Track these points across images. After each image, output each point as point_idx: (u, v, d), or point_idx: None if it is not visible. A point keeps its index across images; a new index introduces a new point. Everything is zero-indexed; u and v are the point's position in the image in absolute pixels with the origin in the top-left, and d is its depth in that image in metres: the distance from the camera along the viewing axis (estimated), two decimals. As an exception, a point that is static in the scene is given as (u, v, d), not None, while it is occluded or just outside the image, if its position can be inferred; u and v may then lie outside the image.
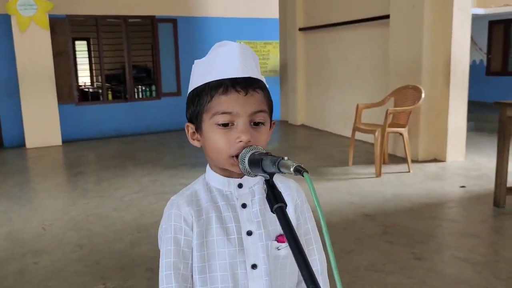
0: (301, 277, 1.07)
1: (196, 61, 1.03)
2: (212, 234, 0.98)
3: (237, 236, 0.98)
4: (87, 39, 11.21)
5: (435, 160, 5.76)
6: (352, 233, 3.62)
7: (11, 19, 7.38)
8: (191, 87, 1.02)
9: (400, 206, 4.19)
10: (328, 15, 7.84)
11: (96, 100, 9.01)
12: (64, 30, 8.15)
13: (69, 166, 6.54)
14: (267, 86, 1.02)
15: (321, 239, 1.08)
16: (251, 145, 0.91)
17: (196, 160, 6.09)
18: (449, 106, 5.59)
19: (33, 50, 7.52)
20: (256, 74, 0.98)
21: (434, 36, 5.58)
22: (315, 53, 8.40)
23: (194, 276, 0.98)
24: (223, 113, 0.94)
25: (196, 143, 1.03)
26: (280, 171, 0.80)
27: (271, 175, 0.85)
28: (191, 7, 9.24)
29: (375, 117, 6.06)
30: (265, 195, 1.01)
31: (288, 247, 0.99)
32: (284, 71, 9.35)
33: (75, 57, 9.11)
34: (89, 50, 11.45)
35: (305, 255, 0.77)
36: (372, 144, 5.84)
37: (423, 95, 5.25)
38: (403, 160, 5.60)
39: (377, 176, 5.11)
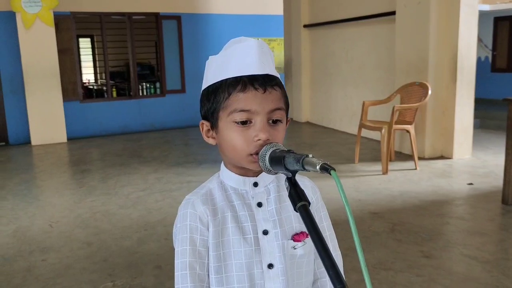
0: (317, 276, 1.06)
1: (211, 57, 1.00)
2: (228, 233, 0.97)
3: (253, 235, 0.97)
4: (91, 36, 11.21)
5: (441, 157, 5.73)
6: (359, 231, 3.60)
7: (16, 16, 7.38)
8: (205, 84, 1.00)
9: (407, 204, 4.18)
10: (333, 11, 7.80)
11: (101, 97, 9.02)
12: (69, 27, 8.15)
13: (74, 163, 6.54)
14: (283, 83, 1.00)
15: (344, 238, 1.07)
16: (270, 142, 0.90)
17: (202, 157, 6.08)
18: (455, 103, 5.57)
19: (38, 47, 7.52)
20: (273, 71, 0.96)
21: (440, 32, 5.55)
22: (320, 50, 8.37)
23: (210, 276, 0.97)
24: (241, 110, 0.92)
25: (211, 141, 1.01)
26: (304, 169, 0.78)
27: (294, 173, 0.83)
28: (195, 4, 9.21)
29: (381, 114, 6.04)
30: (280, 193, 1.01)
31: (304, 246, 0.99)
32: (288, 68, 9.32)
33: (79, 54, 9.10)
34: (93, 47, 11.46)
35: (331, 254, 0.76)
36: (379, 141, 5.83)
37: (429, 92, 5.23)
38: (410, 157, 5.58)
39: (383, 174, 5.09)
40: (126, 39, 8.78)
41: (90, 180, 5.37)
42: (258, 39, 0.97)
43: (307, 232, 0.86)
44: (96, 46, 11.18)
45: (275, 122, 0.94)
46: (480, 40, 10.67)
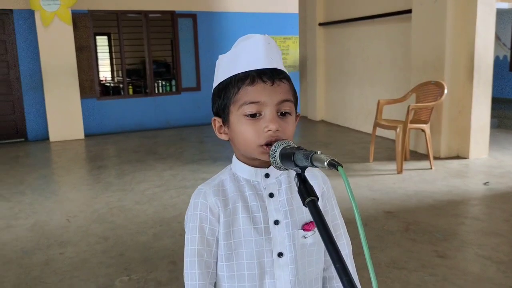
0: (327, 264, 1.09)
1: (220, 56, 1.03)
2: (239, 223, 1.00)
3: (264, 225, 1.00)
4: (108, 34, 11.34)
5: (457, 157, 5.69)
6: (373, 229, 3.60)
7: (34, 14, 7.51)
8: (216, 82, 1.03)
9: (422, 203, 4.16)
10: (348, 9, 7.78)
11: (117, 94, 9.12)
12: (86, 25, 8.26)
13: (91, 160, 6.64)
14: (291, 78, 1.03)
15: (348, 231, 1.11)
16: (281, 139, 0.92)
17: (217, 155, 6.12)
18: (472, 102, 5.51)
19: (56, 45, 7.64)
20: (280, 65, 0.99)
21: (457, 31, 5.50)
22: (335, 48, 8.35)
23: (220, 263, 1.01)
24: (251, 103, 0.95)
25: (223, 136, 1.04)
26: (313, 165, 0.80)
27: (303, 169, 0.85)
28: (211, 2, 9.26)
29: (396, 113, 6.01)
30: (291, 184, 1.03)
31: (314, 235, 1.02)
32: (303, 66, 9.32)
33: (96, 52, 9.22)
34: (110, 45, 11.59)
35: (338, 248, 0.78)
36: (394, 141, 5.80)
37: (445, 91, 5.19)
38: (425, 156, 5.55)
39: (398, 173, 5.07)
40: (142, 36, 8.87)
41: (107, 176, 5.45)
42: (265, 35, 0.99)
43: None
44: (113, 44, 11.30)
45: (284, 114, 0.97)
46: (498, 38, 10.52)
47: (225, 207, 1.01)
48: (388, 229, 3.60)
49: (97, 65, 8.88)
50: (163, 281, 2.87)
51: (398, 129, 5.12)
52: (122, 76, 9.11)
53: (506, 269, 2.91)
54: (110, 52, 11.55)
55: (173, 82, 9.28)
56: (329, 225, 1.04)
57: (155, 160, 6.14)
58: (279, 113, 0.96)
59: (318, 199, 0.84)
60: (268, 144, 0.93)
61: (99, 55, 10.88)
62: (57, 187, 5.21)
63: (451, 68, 5.55)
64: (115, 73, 11.38)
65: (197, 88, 9.27)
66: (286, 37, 10.11)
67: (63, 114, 7.83)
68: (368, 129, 6.84)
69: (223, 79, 1.00)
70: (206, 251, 1.00)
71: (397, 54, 6.68)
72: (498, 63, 10.69)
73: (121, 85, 9.21)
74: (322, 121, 8.81)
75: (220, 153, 6.17)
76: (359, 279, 1.13)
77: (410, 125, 5.20)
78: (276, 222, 1.01)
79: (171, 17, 8.97)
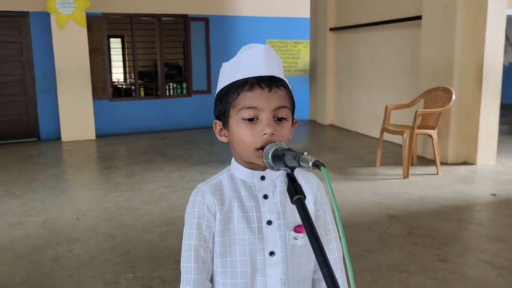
0: (317, 266, 1.14)
1: (224, 64, 1.11)
2: (234, 222, 1.06)
3: (257, 225, 1.06)
4: (121, 37, 11.49)
5: (465, 163, 5.69)
6: (376, 233, 3.64)
7: (50, 17, 7.67)
8: (219, 87, 1.10)
9: (426, 208, 4.18)
10: (359, 15, 7.81)
11: (129, 96, 9.25)
12: (100, 27, 8.40)
13: (102, 160, 6.75)
14: (290, 86, 1.08)
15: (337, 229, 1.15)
16: (275, 141, 0.98)
17: (225, 157, 6.19)
18: (480, 109, 5.51)
19: (70, 47, 7.79)
20: (279, 74, 1.05)
21: (466, 38, 5.51)
22: (345, 53, 8.38)
23: (215, 259, 1.07)
24: (249, 107, 1.01)
25: (223, 139, 1.11)
26: (300, 165, 0.86)
27: (292, 169, 0.91)
28: (223, 6, 9.36)
29: (405, 118, 6.03)
30: (285, 187, 1.09)
31: (305, 237, 1.07)
32: (313, 71, 9.36)
33: (109, 54, 9.36)
34: (123, 47, 11.74)
35: (321, 242, 0.83)
36: (401, 146, 5.82)
37: (453, 96, 5.20)
38: (432, 162, 5.56)
39: (404, 178, 5.09)
40: (155, 39, 8.99)
41: (116, 176, 5.55)
42: (265, 45, 1.06)
43: None
44: (126, 46, 11.45)
45: (280, 119, 1.03)
46: (511, 45, 10.46)
47: (222, 205, 1.07)
48: (391, 232, 3.63)
49: (110, 67, 9.02)
50: (167, 279, 2.94)
51: (405, 134, 5.14)
52: (134, 78, 9.24)
53: (507, 274, 2.93)
54: (123, 54, 11.71)
55: (184, 85, 9.38)
56: (320, 229, 1.10)
57: (164, 161, 6.22)
58: (275, 118, 1.01)
59: (305, 197, 0.90)
60: (264, 148, 0.99)
61: (112, 57, 11.04)
62: (67, 186, 5.32)
63: (460, 74, 5.56)
64: (127, 75, 11.53)
65: (208, 91, 9.36)
66: (297, 42, 10.17)
67: (76, 114, 7.96)
68: (376, 134, 6.85)
69: (225, 85, 1.07)
70: (202, 247, 1.06)
71: (406, 60, 6.70)
72: (510, 70, 10.62)
73: (133, 87, 9.34)
74: (331, 125, 8.84)
75: (228, 155, 6.19)
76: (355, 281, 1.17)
77: (417, 131, 5.22)
78: (269, 222, 1.06)
79: (184, 20, 9.08)
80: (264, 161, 0.96)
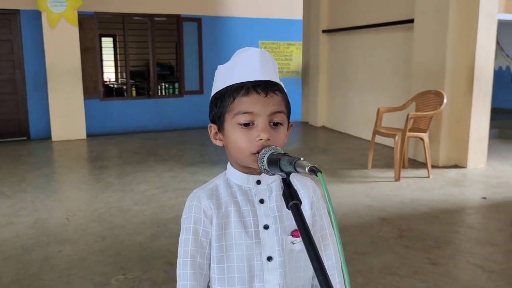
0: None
1: (219, 66, 1.09)
2: (231, 226, 1.05)
3: (254, 229, 1.05)
4: (113, 36, 11.43)
5: (455, 166, 5.73)
6: (367, 235, 3.64)
7: (41, 15, 7.60)
8: (214, 90, 1.09)
9: (417, 211, 4.20)
10: (352, 18, 7.84)
11: (120, 96, 9.20)
12: (92, 26, 8.35)
13: (93, 160, 6.71)
14: (286, 90, 1.08)
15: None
16: (270, 145, 0.97)
17: (217, 158, 6.18)
18: (471, 112, 5.56)
19: (62, 46, 7.73)
20: (275, 78, 1.04)
21: (458, 41, 5.55)
22: (338, 55, 8.41)
23: (212, 265, 1.05)
24: (245, 113, 1.00)
25: (218, 143, 1.10)
26: (296, 171, 0.86)
27: (288, 174, 0.90)
28: (216, 7, 9.34)
29: (397, 121, 6.06)
30: (281, 192, 1.08)
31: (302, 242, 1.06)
32: (306, 73, 9.38)
33: (101, 53, 9.30)
34: (114, 47, 11.68)
35: (317, 248, 0.83)
36: (393, 148, 5.84)
37: (445, 100, 5.24)
38: (423, 165, 5.59)
39: (396, 180, 5.11)
40: (147, 39, 8.95)
41: (107, 176, 5.51)
42: (261, 49, 1.05)
43: None
44: (118, 46, 11.39)
45: (276, 124, 1.02)
46: (501, 49, 10.56)
47: (218, 210, 1.06)
48: (382, 235, 3.64)
49: (101, 66, 8.96)
50: (158, 281, 2.92)
51: (396, 137, 5.17)
52: (126, 78, 9.19)
53: (497, 278, 2.95)
54: (115, 54, 11.65)
55: (176, 85, 9.35)
56: (317, 234, 1.09)
57: (156, 162, 6.19)
58: (271, 123, 1.01)
59: (301, 202, 0.89)
60: (259, 152, 0.98)
61: (104, 57, 10.97)
62: (58, 186, 5.27)
63: (452, 78, 5.60)
64: (119, 74, 11.47)
65: (200, 91, 9.34)
66: (290, 43, 10.18)
67: (66, 114, 7.90)
68: (368, 136, 6.88)
69: (220, 89, 1.05)
70: (199, 253, 1.04)
71: (399, 63, 6.73)
72: (500, 74, 10.73)
73: (124, 87, 9.28)
74: (323, 127, 8.86)
75: (220, 157, 6.22)
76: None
77: (408, 134, 5.24)
78: (266, 227, 1.05)
79: (176, 20, 9.05)
80: (260, 165, 0.96)
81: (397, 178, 5.12)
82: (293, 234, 1.06)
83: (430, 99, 5.50)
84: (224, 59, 1.10)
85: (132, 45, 9.06)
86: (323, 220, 1.13)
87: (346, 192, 4.74)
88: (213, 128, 1.10)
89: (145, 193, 4.78)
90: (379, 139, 5.95)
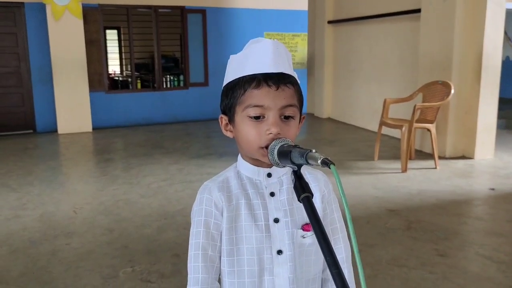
0: (325, 266, 1.11)
1: (231, 56, 1.07)
2: (241, 219, 1.04)
3: (264, 222, 1.03)
4: (117, 28, 11.40)
5: (463, 157, 5.69)
6: (375, 227, 3.63)
7: (46, 8, 7.58)
8: (225, 81, 1.06)
9: (425, 202, 4.18)
10: (357, 8, 7.77)
11: (126, 88, 9.19)
12: (96, 19, 8.32)
13: (99, 152, 6.71)
14: (299, 81, 1.05)
15: (346, 229, 1.12)
16: (280, 137, 0.95)
17: (223, 150, 6.17)
18: (479, 103, 5.50)
19: (66, 39, 7.72)
20: (288, 70, 1.02)
21: (466, 31, 5.49)
22: (343, 46, 8.35)
23: (222, 258, 1.04)
24: (255, 106, 0.98)
25: (229, 134, 1.08)
26: (308, 163, 0.84)
27: (299, 166, 0.88)
28: (220, -2, 9.29)
29: (403, 111, 6.02)
30: (293, 185, 1.06)
31: (313, 236, 1.04)
32: (311, 64, 9.33)
33: (106, 46, 9.28)
34: (119, 39, 11.66)
35: (329, 241, 0.81)
36: (399, 139, 5.81)
37: (452, 91, 5.19)
38: (430, 156, 5.55)
39: (402, 172, 5.08)
40: (152, 31, 8.92)
41: (113, 169, 5.52)
42: (274, 40, 1.03)
43: None
44: (122, 38, 11.37)
45: (287, 118, 1.00)
46: (509, 39, 10.45)
47: (229, 202, 1.04)
48: (390, 227, 3.62)
49: (106, 58, 8.95)
50: (166, 273, 2.92)
51: (403, 128, 5.13)
52: (130, 70, 9.17)
53: (506, 269, 2.93)
54: (120, 46, 11.62)
55: (181, 77, 9.32)
56: (328, 228, 1.08)
57: (162, 154, 6.19)
58: (282, 117, 0.99)
59: (312, 195, 0.87)
60: (268, 147, 0.96)
61: (109, 49, 10.96)
62: (64, 179, 5.28)
63: (459, 68, 5.54)
64: (124, 67, 11.45)
65: (205, 83, 9.31)
66: (295, 34, 10.11)
67: (72, 106, 7.91)
68: (374, 127, 6.85)
69: (232, 79, 1.03)
70: (210, 245, 1.03)
71: (405, 53, 6.67)
72: (508, 64, 10.62)
73: (129, 79, 9.27)
74: (329, 119, 8.82)
75: (226, 149, 6.21)
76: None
77: (415, 125, 5.21)
78: (276, 220, 1.04)
79: (181, 12, 9.01)
80: (270, 157, 0.94)
81: (404, 170, 5.09)
82: (303, 228, 1.04)
83: (437, 89, 5.45)
84: (229, 51, 1.08)
85: (136, 37, 9.04)
86: (333, 214, 1.12)
87: (353, 183, 4.72)
88: (224, 119, 1.08)
89: (151, 185, 4.78)
90: (385, 130, 5.92)
